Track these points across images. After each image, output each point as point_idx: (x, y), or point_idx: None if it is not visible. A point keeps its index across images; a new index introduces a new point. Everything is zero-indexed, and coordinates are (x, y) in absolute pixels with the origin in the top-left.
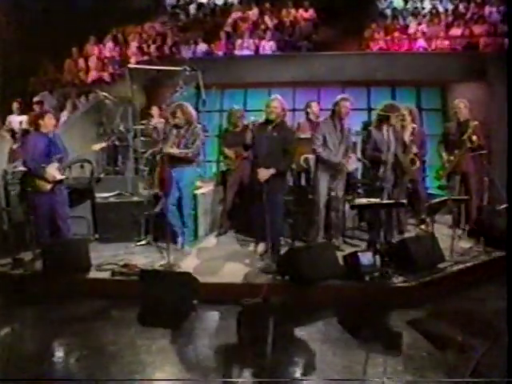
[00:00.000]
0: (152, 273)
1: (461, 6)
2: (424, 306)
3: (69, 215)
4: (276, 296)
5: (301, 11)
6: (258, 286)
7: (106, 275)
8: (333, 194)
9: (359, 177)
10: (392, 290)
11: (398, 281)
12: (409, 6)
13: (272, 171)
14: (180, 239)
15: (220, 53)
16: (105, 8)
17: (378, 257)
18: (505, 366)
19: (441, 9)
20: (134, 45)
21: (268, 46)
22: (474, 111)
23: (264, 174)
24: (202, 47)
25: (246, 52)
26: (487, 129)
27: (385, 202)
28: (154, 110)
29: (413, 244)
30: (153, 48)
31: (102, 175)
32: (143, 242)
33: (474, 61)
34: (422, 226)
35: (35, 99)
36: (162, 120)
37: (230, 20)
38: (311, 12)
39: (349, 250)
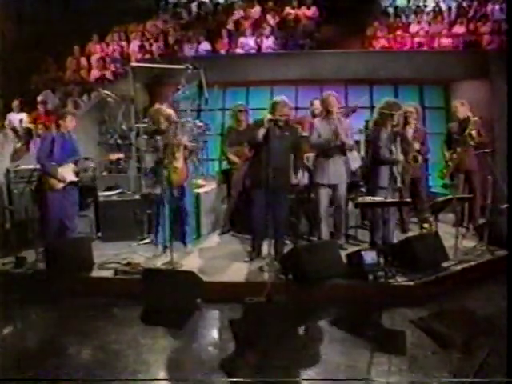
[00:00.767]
0: (155, 271)
1: (464, 4)
2: (427, 305)
3: (76, 215)
4: (279, 295)
5: (303, 9)
6: (261, 284)
7: (108, 274)
8: (336, 192)
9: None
10: (395, 289)
11: (401, 279)
12: (411, 3)
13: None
14: (182, 238)
15: (222, 51)
16: (107, 6)
17: (381, 255)
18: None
19: (443, 7)
20: (136, 43)
21: (269, 43)
22: (477, 109)
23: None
24: (204, 46)
25: (246, 47)
26: (490, 127)
27: (389, 200)
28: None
29: (416, 243)
30: (155, 46)
31: (104, 173)
32: (146, 241)
33: (477, 59)
34: (426, 225)
35: (39, 98)
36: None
37: (232, 18)
38: (314, 10)
39: (352, 248)
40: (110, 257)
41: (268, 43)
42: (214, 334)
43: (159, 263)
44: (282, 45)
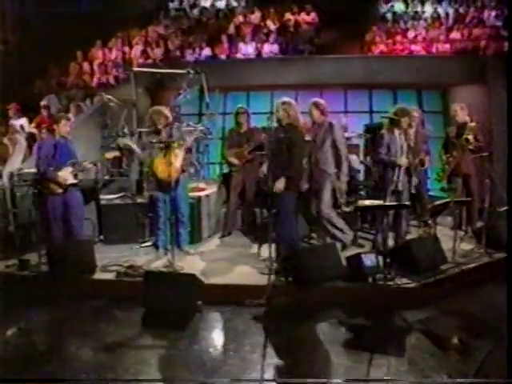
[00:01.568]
0: (156, 274)
1: (461, 10)
2: (426, 307)
3: (83, 216)
4: (279, 297)
5: (303, 15)
6: (262, 287)
7: (111, 276)
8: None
9: (362, 179)
10: (395, 291)
11: (400, 282)
12: (409, 10)
13: (282, 182)
14: (181, 240)
15: (223, 56)
16: (109, 12)
17: (380, 258)
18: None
19: (441, 13)
20: (138, 48)
21: (269, 48)
22: (475, 114)
23: (279, 186)
24: (206, 51)
25: (245, 53)
26: (487, 131)
27: (388, 203)
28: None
29: (415, 246)
30: (157, 51)
31: (106, 177)
32: (148, 243)
33: (475, 64)
34: (426, 229)
35: (42, 103)
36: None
37: (233, 24)
38: (313, 16)
39: (352, 251)
40: (112, 259)
41: (269, 48)
42: (215, 335)
43: (161, 266)
44: (282, 50)
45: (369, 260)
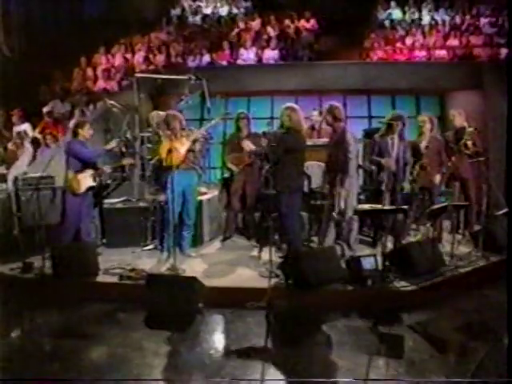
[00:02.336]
0: (158, 277)
1: (457, 18)
2: (425, 310)
3: (91, 218)
4: (280, 300)
5: (302, 22)
6: (262, 290)
7: (113, 279)
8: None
9: (361, 183)
10: (393, 294)
11: (399, 285)
12: (407, 17)
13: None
14: (184, 244)
15: (224, 62)
16: (112, 19)
17: (379, 261)
18: (504, 368)
19: (438, 20)
20: (140, 54)
21: (269, 55)
22: (471, 119)
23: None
24: (207, 58)
25: (247, 59)
26: (484, 135)
27: (387, 208)
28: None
29: (414, 249)
30: (159, 57)
31: (109, 181)
32: (150, 247)
33: (471, 70)
34: (423, 231)
35: (45, 109)
36: None
37: (234, 31)
38: (313, 22)
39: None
40: (115, 262)
41: (269, 55)
42: (216, 338)
43: (163, 269)
44: (282, 56)
45: (368, 263)
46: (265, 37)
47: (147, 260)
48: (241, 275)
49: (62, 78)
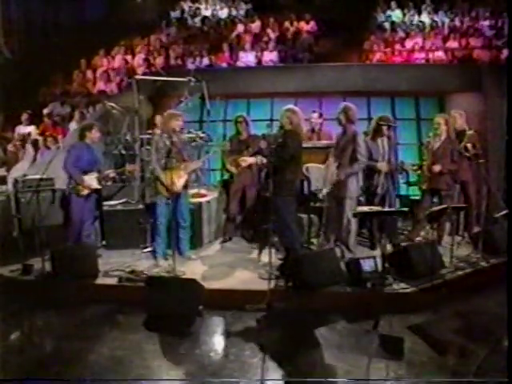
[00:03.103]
0: (158, 279)
1: (456, 20)
2: (424, 312)
3: (93, 220)
4: (279, 302)
5: (302, 24)
6: (262, 292)
7: (113, 281)
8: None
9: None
10: (393, 296)
11: (398, 287)
12: (407, 19)
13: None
14: (182, 246)
15: (224, 64)
16: (112, 21)
17: (379, 263)
18: (504, 370)
19: (438, 22)
20: (140, 56)
21: (268, 57)
22: (471, 121)
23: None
24: (206, 60)
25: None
26: (483, 137)
27: (386, 209)
28: (158, 119)
29: (413, 251)
30: (158, 60)
31: (109, 183)
32: (149, 249)
33: (470, 72)
34: (422, 233)
35: (45, 111)
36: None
37: (234, 33)
38: (312, 24)
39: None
40: (115, 264)
41: (268, 57)
42: (216, 340)
43: (162, 271)
44: (281, 58)
45: (367, 265)
46: (264, 39)
47: (147, 262)
48: (240, 277)
49: (62, 80)
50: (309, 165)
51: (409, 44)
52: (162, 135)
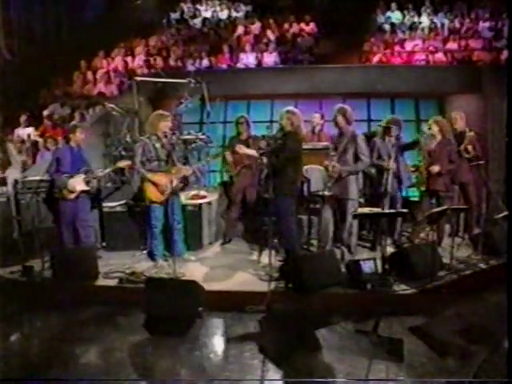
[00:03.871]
0: (158, 280)
1: (456, 21)
2: (425, 313)
3: (88, 222)
4: (279, 303)
5: (302, 25)
6: (262, 293)
7: (113, 283)
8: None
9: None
10: (393, 298)
11: (399, 288)
12: (406, 20)
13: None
14: (179, 248)
15: (224, 66)
16: (112, 22)
17: (379, 265)
18: (505, 371)
19: (438, 23)
20: (140, 58)
21: (268, 58)
22: (470, 122)
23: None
24: (206, 62)
25: (246, 62)
26: (483, 139)
27: (386, 211)
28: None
29: (413, 252)
30: (158, 61)
31: (108, 184)
32: (145, 252)
33: (470, 74)
34: (422, 235)
35: (45, 113)
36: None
37: (234, 35)
38: (312, 26)
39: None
40: (115, 266)
41: (268, 58)
42: (216, 341)
43: (162, 272)
44: (281, 60)
45: (367, 266)
46: (264, 40)
47: (147, 263)
48: (240, 279)
49: (62, 82)
50: (309, 166)
51: (409, 45)
52: (150, 137)
